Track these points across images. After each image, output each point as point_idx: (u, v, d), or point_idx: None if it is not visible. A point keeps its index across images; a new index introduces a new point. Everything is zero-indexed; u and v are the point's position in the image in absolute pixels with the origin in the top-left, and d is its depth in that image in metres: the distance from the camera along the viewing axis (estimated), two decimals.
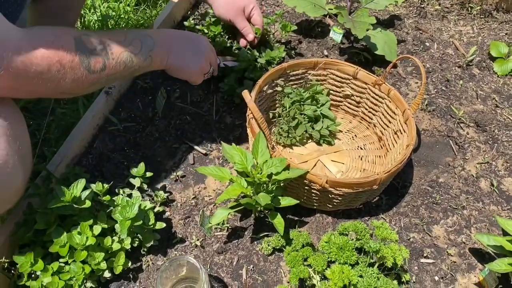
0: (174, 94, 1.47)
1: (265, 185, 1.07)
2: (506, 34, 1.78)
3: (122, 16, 1.86)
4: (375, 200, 1.28)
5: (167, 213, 1.21)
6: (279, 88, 1.35)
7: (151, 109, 1.43)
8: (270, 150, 1.09)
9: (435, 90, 1.56)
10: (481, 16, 1.85)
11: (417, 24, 1.77)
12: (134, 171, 1.18)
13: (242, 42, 1.45)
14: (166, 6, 1.67)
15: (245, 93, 1.07)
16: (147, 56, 1.03)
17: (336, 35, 1.63)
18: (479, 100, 1.54)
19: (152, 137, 1.37)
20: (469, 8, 1.85)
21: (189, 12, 1.73)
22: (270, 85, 1.33)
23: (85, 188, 1.02)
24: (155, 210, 1.18)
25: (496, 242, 1.04)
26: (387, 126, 1.34)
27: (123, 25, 1.80)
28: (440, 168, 1.37)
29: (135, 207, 1.01)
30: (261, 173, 1.02)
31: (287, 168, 1.07)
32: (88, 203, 1.00)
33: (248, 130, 1.21)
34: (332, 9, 1.67)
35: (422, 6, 1.85)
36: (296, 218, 1.22)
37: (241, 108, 1.44)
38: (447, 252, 1.18)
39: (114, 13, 1.87)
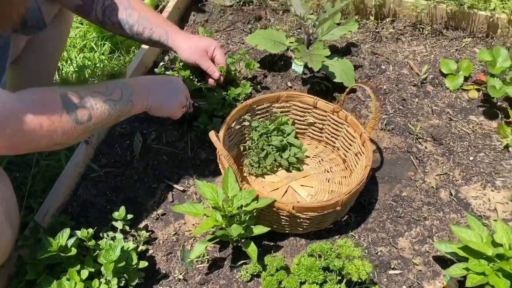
0: (150, 137, 1.56)
1: (238, 216, 1.16)
2: (456, 50, 1.92)
3: (97, 65, 1.97)
4: (344, 218, 1.38)
5: (150, 251, 1.29)
6: (246, 123, 1.45)
7: (129, 152, 1.52)
8: (240, 183, 1.19)
9: (393, 109, 1.68)
10: (433, 35, 1.99)
11: (373, 49, 1.91)
12: (115, 214, 1.27)
13: (210, 82, 1.56)
14: (138, 53, 1.78)
15: (211, 134, 1.17)
16: (128, 101, 1.13)
17: (297, 67, 1.75)
18: (434, 115, 1.66)
19: (132, 180, 1.46)
20: (421, 29, 1.99)
21: (159, 58, 1.85)
22: (238, 121, 1.44)
23: (70, 236, 1.10)
24: (138, 249, 1.26)
25: (452, 249, 1.14)
26: (349, 149, 1.45)
27: (99, 73, 1.90)
28: (403, 182, 1.48)
29: (118, 249, 1.10)
30: (231, 206, 1.12)
31: (256, 199, 1.16)
32: (74, 251, 1.08)
33: (220, 166, 1.31)
34: (292, 43, 1.79)
35: (377, 30, 1.98)
36: (272, 244, 1.30)
37: None
38: (412, 262, 1.27)
39: (89, 63, 1.98)
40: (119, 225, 1.27)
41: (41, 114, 0.93)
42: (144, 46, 1.77)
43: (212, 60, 1.52)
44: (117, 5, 1.35)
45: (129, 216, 1.28)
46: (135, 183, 1.45)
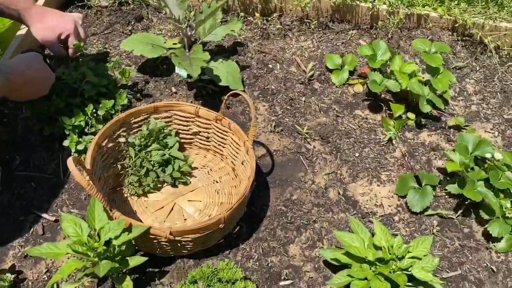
0: (14, 162, 1.39)
1: (109, 249, 1.05)
2: (342, 43, 1.93)
3: None
4: (236, 230, 1.32)
5: None
6: (122, 139, 1.33)
7: None
8: (109, 212, 1.08)
9: (282, 110, 1.64)
10: (319, 29, 1.98)
11: (261, 47, 1.86)
12: None
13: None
14: None
15: (69, 162, 1.04)
16: None
17: (181, 71, 1.65)
18: (321, 113, 1.65)
19: None
20: (308, 23, 1.98)
21: None
22: (111, 138, 1.31)
23: None
24: None
25: (336, 256, 1.13)
26: (236, 157, 1.39)
27: None
28: (294, 185, 1.45)
29: None
30: (98, 241, 1.00)
31: (128, 229, 1.06)
32: None
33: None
34: (176, 43, 1.69)
35: (264, 27, 1.94)
36: (156, 270, 1.21)
37: None
38: (303, 269, 1.25)
39: None
40: None
41: None
42: (7, 55, 1.57)
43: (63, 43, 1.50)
44: None
45: None
46: None
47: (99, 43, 1.80)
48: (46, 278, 1.18)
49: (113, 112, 1.42)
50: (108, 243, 1.03)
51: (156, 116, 1.38)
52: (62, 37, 1.47)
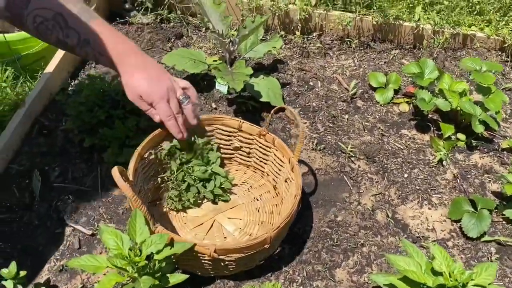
0: (53, 173, 1.36)
1: (150, 265, 0.99)
2: (384, 63, 1.88)
3: None
4: (277, 251, 1.25)
5: None
6: (164, 151, 1.30)
7: (29, 194, 1.31)
8: (153, 225, 1.03)
9: (323, 127, 1.58)
10: (360, 48, 1.94)
11: (301, 65, 1.82)
12: (4, 272, 1.06)
13: None
14: (40, 79, 1.57)
15: (114, 172, 1.00)
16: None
17: (221, 86, 1.62)
18: (366, 131, 1.58)
19: (32, 225, 1.25)
20: (348, 42, 1.93)
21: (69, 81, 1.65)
22: (153, 150, 1.27)
23: None
24: None
25: (390, 281, 1.04)
26: (279, 174, 1.33)
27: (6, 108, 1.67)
28: (337, 205, 1.38)
29: None
30: (140, 255, 0.95)
31: (170, 243, 1.00)
32: None
33: (130, 205, 1.14)
34: (216, 61, 1.67)
35: (304, 46, 1.90)
36: None
37: None
38: None
39: None
40: (9, 285, 1.06)
41: None
42: (49, 69, 1.57)
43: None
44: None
45: (22, 273, 1.07)
46: (35, 230, 1.24)
47: None
48: None
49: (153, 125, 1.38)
50: (149, 258, 0.98)
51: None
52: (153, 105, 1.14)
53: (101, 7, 1.87)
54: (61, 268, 1.17)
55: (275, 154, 1.32)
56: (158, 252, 0.97)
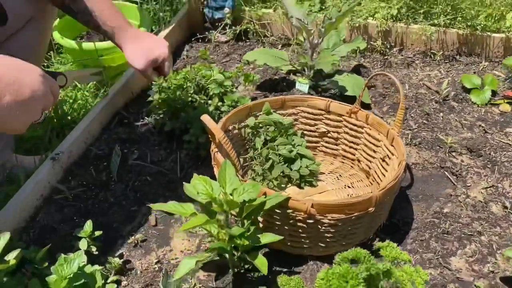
0: (132, 156, 1.31)
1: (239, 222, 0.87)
2: (474, 72, 1.75)
3: (79, 101, 1.76)
4: (375, 241, 1.07)
5: (124, 282, 0.97)
6: (248, 130, 1.21)
7: (106, 174, 1.26)
8: (241, 178, 0.92)
9: (417, 124, 1.45)
10: (446, 61, 1.83)
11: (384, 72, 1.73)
12: (79, 231, 0.97)
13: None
14: (124, 75, 1.59)
15: (204, 117, 0.92)
16: None
17: (302, 86, 1.55)
18: (465, 129, 1.43)
19: (107, 203, 1.18)
20: (432, 55, 1.84)
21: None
22: (237, 126, 1.19)
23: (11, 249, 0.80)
24: (109, 280, 0.95)
25: None
26: (373, 157, 1.19)
27: (80, 109, 1.69)
28: (441, 200, 1.20)
29: (75, 264, 0.79)
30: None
31: (264, 194, 0.88)
32: (13, 262, 0.77)
33: (215, 169, 1.04)
34: (296, 63, 1.62)
35: (386, 58, 1.83)
36: (285, 269, 0.99)
37: (208, 162, 1.28)
38: (475, 285, 0.95)
39: (70, 100, 1.78)
40: (83, 245, 0.96)
41: None
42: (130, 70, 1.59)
43: (157, 68, 1.35)
44: None
45: (97, 233, 0.98)
46: (111, 207, 1.17)
47: (218, 68, 1.79)
48: (156, 269, 1.00)
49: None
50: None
51: (282, 111, 1.26)
52: (158, 61, 1.32)
53: (182, 24, 1.93)
54: (135, 243, 1.07)
55: (368, 134, 1.19)
56: (250, 201, 0.84)
